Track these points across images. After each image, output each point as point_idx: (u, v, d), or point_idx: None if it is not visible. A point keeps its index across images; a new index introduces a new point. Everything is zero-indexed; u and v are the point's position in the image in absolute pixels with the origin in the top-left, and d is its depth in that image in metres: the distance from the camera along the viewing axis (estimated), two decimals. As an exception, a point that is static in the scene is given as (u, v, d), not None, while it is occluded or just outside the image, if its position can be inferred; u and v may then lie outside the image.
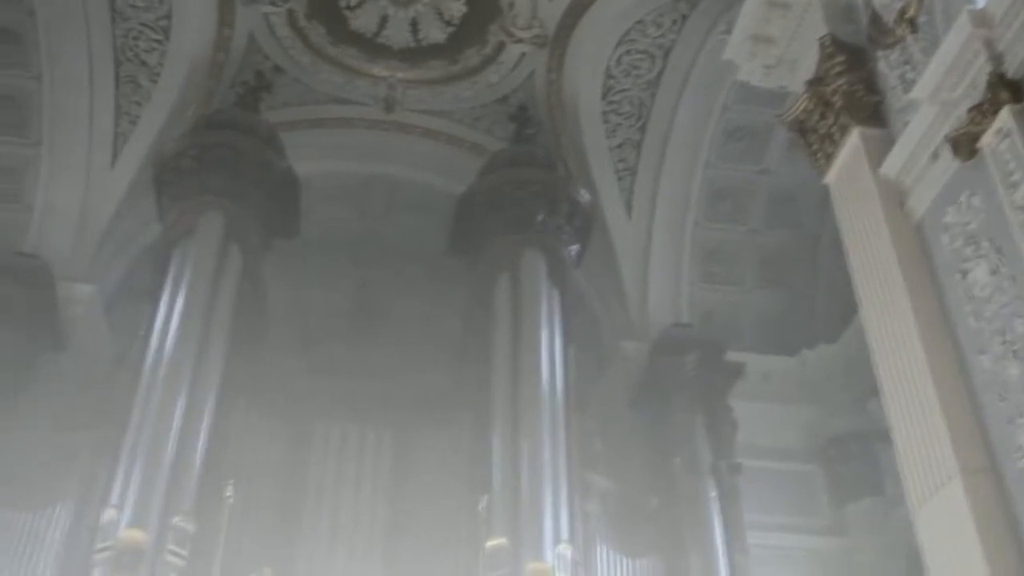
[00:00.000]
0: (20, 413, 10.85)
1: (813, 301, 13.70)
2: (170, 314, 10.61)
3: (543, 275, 11.51)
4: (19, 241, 12.03)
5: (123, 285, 12.81)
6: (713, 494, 11.29)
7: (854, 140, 7.83)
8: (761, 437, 12.33)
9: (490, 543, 9.48)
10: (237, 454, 10.26)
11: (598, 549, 10.41)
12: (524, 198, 11.90)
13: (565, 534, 9.76)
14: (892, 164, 7.41)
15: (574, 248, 12.22)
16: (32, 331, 11.36)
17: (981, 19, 6.51)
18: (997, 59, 6.44)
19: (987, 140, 6.42)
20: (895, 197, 7.38)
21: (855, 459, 12.78)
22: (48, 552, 9.62)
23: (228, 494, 8.73)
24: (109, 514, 9.25)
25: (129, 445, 9.66)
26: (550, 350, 10.96)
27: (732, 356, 12.28)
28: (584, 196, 12.30)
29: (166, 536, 9.14)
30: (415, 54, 12.74)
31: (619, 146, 13.05)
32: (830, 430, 13.10)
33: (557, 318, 11.29)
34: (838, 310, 12.85)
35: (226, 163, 11.54)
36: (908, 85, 7.37)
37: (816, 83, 8.18)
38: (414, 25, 12.42)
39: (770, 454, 12.48)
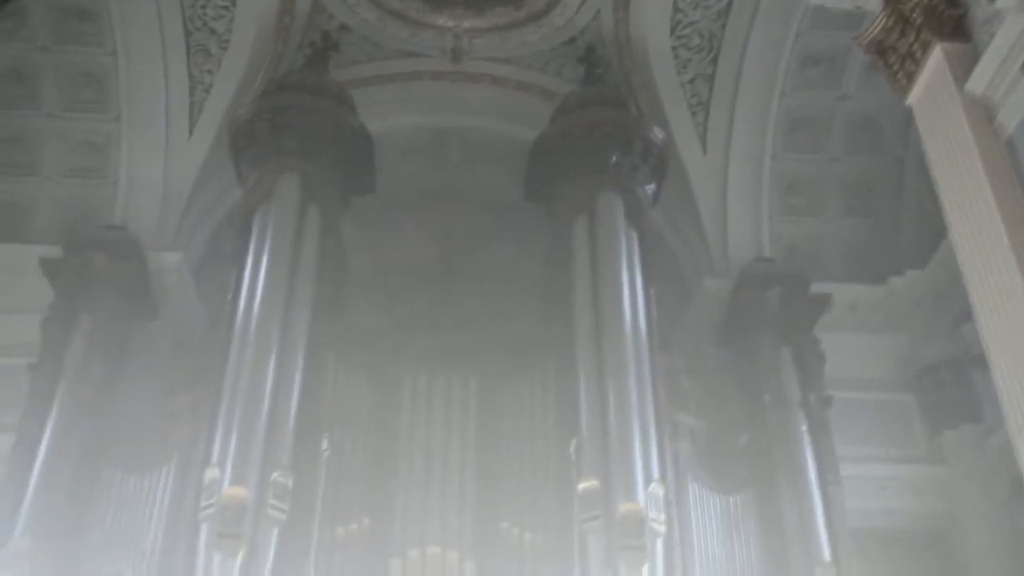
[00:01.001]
0: (122, 381, 11.26)
1: (899, 227, 13.38)
2: (255, 277, 10.83)
3: (620, 216, 11.44)
4: (108, 215, 12.41)
5: (209, 252, 13.13)
6: (803, 428, 11.19)
7: (937, 57, 7.56)
8: (850, 368, 12.14)
9: (582, 485, 9.55)
10: (330, 409, 10.49)
11: (689, 487, 10.44)
12: (597, 140, 11.80)
13: (656, 474, 9.80)
14: (978, 80, 7.15)
15: (650, 187, 12.10)
16: (127, 302, 11.72)
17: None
18: (1087, -40, 6.14)
19: (1079, 47, 6.16)
20: (983, 114, 7.13)
21: (949, 386, 12.53)
22: (158, 511, 10.06)
23: (324, 447, 8.95)
24: (211, 473, 9.58)
25: (225, 406, 9.97)
26: (631, 291, 10.92)
27: (817, 288, 12.08)
28: (658, 134, 12.14)
29: (266, 491, 9.42)
30: (480, 2, 12.66)
31: (691, 81, 12.83)
32: (922, 358, 12.84)
33: (637, 259, 11.23)
34: (926, 235, 12.54)
35: (299, 124, 11.67)
36: (992, -5, 7.08)
37: (894, 0, 7.90)
38: (477, -28, 12.34)
39: (860, 385, 12.29)
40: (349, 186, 12.22)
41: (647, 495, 9.60)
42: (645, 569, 9.34)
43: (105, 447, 10.53)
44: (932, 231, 11.77)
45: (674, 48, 12.63)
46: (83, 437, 10.47)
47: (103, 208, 12.53)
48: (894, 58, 8.04)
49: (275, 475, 9.55)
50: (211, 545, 9.18)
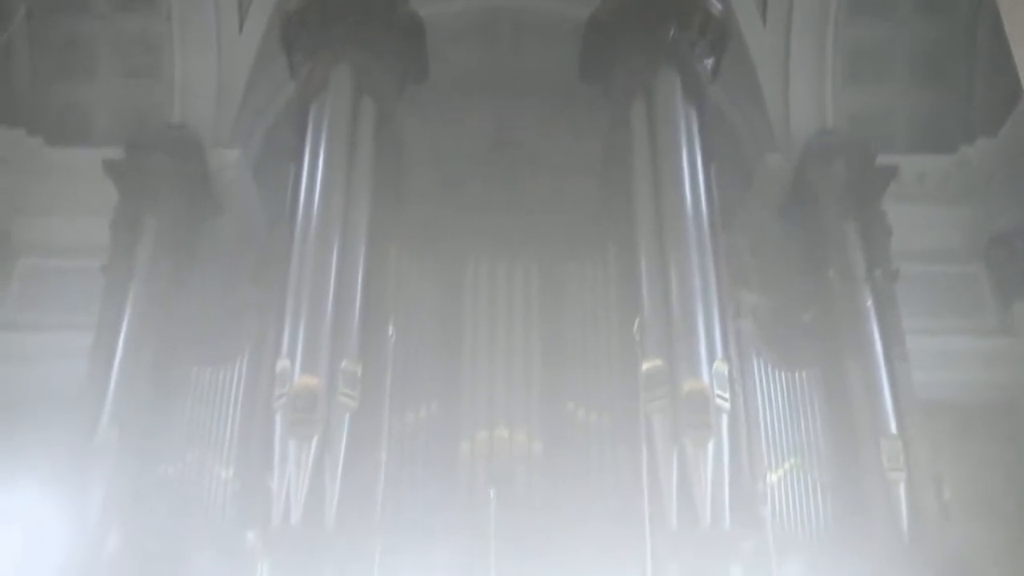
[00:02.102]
0: (191, 278, 11.51)
1: (971, 94, 12.91)
2: (314, 171, 10.88)
3: (678, 93, 11.18)
4: (166, 115, 12.50)
5: (267, 148, 13.19)
6: (869, 302, 11.05)
7: (1010, -93, 7.15)
8: (918, 240, 11.92)
9: (646, 365, 9.62)
10: (394, 298, 10.62)
11: (754, 364, 10.44)
12: (653, 15, 11.44)
13: (720, 351, 9.81)
14: (1055, -71, 6.75)
15: (709, 62, 11.75)
16: (190, 200, 11.89)
17: None
18: None
19: None
20: (1060, -35, 6.76)
21: (1021, 256, 12.24)
22: (234, 402, 10.39)
23: (390, 333, 9.09)
24: (282, 364, 9.83)
25: (292, 299, 10.16)
26: (691, 169, 10.75)
27: (884, 159, 11.75)
28: (716, 6, 11.72)
29: (336, 380, 9.66)
30: None
31: (749, -52, 12.34)
32: (993, 228, 12.54)
33: (696, 136, 11.01)
34: (998, 101, 12.10)
35: (350, 13, 11.49)
36: None
37: None
38: None
39: (928, 257, 12.09)
40: (402, 75, 12.09)
41: (711, 373, 9.65)
42: (710, 446, 9.45)
43: (179, 342, 10.84)
44: (1005, 97, 11.36)
45: (730, -86, 12.13)
46: (158, 333, 10.78)
47: (161, 108, 12.62)
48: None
49: (344, 363, 9.78)
50: (286, 433, 9.49)
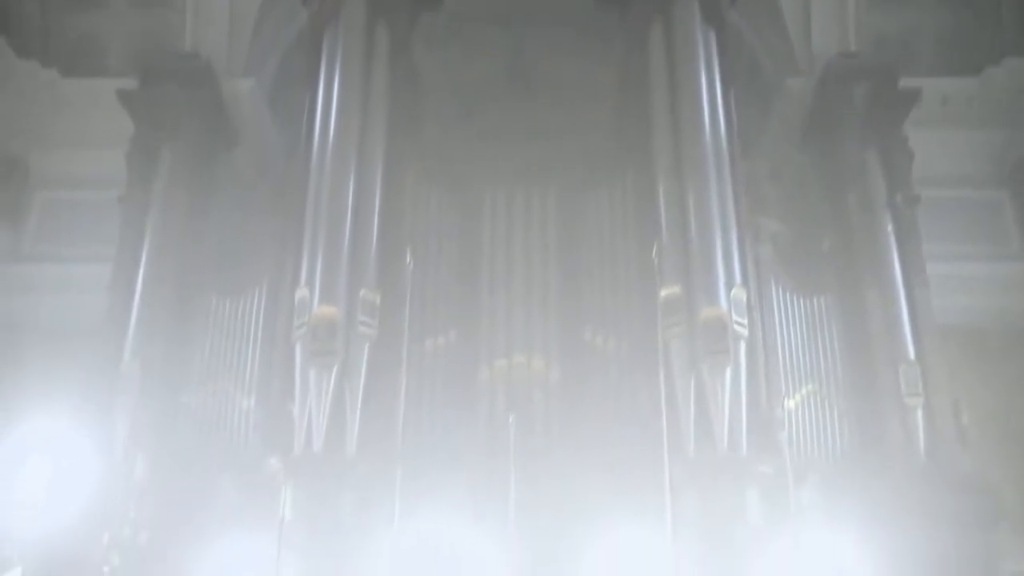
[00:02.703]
0: (209, 209, 11.54)
1: (998, 12, 12.59)
2: (328, 100, 10.81)
3: (696, 17, 10.97)
4: (179, 44, 12.38)
5: (281, 77, 13.08)
6: (889, 228, 10.95)
7: None
8: (940, 166, 11.76)
9: (664, 292, 9.62)
10: (411, 227, 10.63)
11: (772, 290, 10.43)
12: (669, -66, 11.20)
13: (738, 278, 9.80)
14: None
15: (728, -17, 11.52)
16: (205, 130, 11.81)
17: None
18: None
19: None
20: None
21: (1045, 182, 12.10)
22: (254, 332, 10.48)
23: (408, 261, 9.10)
24: (301, 294, 9.90)
25: (309, 228, 10.18)
26: (710, 94, 10.61)
27: (906, 82, 11.51)
28: (734, -74, 11.46)
29: (355, 309, 9.74)
30: None
31: None
32: (1016, 152, 12.35)
33: (715, 61, 10.84)
34: (1027, 19, 11.82)
35: (362, -63, 11.29)
36: None
37: None
38: None
39: (951, 182, 11.93)
40: (416, 1, 11.90)
41: (729, 299, 9.64)
42: (728, 372, 9.49)
43: (198, 273, 10.92)
44: (1034, 15, 11.09)
45: None
46: (176, 264, 10.83)
47: (173, 37, 12.51)
48: None
49: (362, 292, 9.84)
50: (306, 362, 9.59)
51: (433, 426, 9.90)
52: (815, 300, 10.63)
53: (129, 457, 9.81)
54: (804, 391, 10.23)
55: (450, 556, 8.79)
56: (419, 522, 8.42)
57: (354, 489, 9.24)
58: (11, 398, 10.85)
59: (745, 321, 9.68)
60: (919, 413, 10.07)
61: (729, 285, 9.69)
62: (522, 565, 8.27)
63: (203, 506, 9.44)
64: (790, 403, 10.06)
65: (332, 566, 9.09)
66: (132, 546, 9.14)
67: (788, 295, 10.52)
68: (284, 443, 9.45)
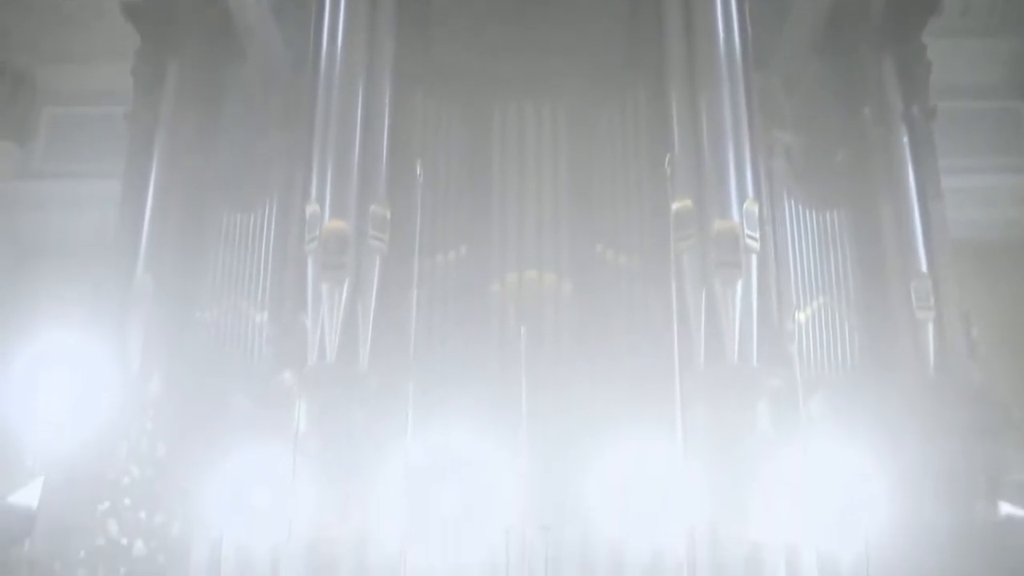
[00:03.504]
0: (218, 124, 11.44)
1: (1022, -84, 12.27)
2: (336, 13, 10.65)
3: (710, -78, 10.70)
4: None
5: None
6: (905, 140, 10.83)
7: None
8: (959, 76, 11.60)
9: (676, 205, 9.57)
10: (421, 141, 10.57)
11: (785, 204, 10.37)
12: None
13: (751, 191, 9.73)
14: None
15: None
16: (212, 44, 11.65)
17: None
18: None
19: None
20: None
21: (1065, 91, 11.91)
22: (265, 247, 10.50)
23: (418, 174, 9.06)
24: (311, 208, 9.89)
25: (318, 143, 10.13)
26: (724, 4, 10.40)
27: (925, -10, 11.28)
28: None
29: (365, 223, 9.75)
30: None
31: None
32: (1039, 61, 12.15)
33: (729, -31, 10.60)
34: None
35: None
36: None
37: None
38: None
39: (969, 93, 11.79)
40: (425, -86, 11.64)
41: (742, 213, 9.60)
42: (739, 285, 9.49)
43: (208, 188, 10.89)
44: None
45: None
46: (186, 180, 10.79)
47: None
48: None
49: (373, 207, 9.84)
50: (318, 276, 9.63)
51: (445, 339, 9.97)
52: (828, 213, 10.57)
53: (144, 371, 9.93)
54: (815, 304, 10.24)
55: (462, 467, 8.91)
56: (431, 434, 8.51)
57: (367, 402, 9.35)
58: (25, 314, 10.96)
59: (757, 234, 9.65)
60: (929, 327, 10.08)
61: (741, 198, 9.63)
62: (534, 476, 8.38)
63: (218, 419, 9.56)
64: (801, 316, 10.08)
65: (346, 477, 9.25)
66: (150, 458, 9.29)
67: (801, 208, 10.46)
68: (297, 356, 9.55)
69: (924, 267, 10.29)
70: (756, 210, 9.67)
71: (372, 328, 9.57)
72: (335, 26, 10.56)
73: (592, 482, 9.03)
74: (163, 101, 11.10)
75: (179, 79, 11.17)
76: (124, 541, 8.94)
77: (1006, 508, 9.61)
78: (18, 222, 11.86)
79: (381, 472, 8.83)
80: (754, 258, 9.60)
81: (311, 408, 9.22)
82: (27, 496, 8.54)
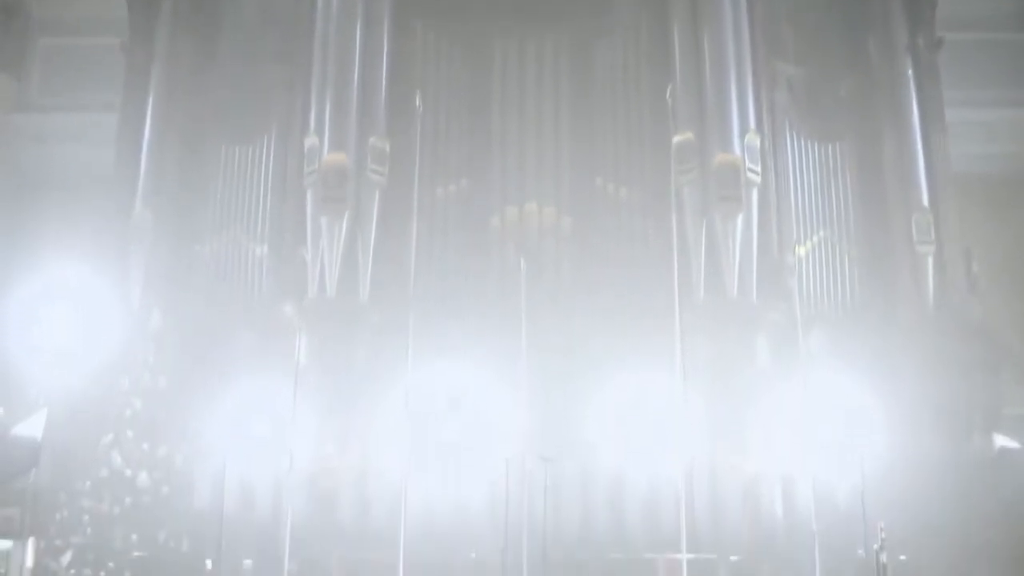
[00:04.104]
0: (214, 57, 11.25)
1: None
2: (334, -58, 10.43)
3: None
4: None
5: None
6: (909, 73, 10.69)
7: None
8: (965, 7, 11.42)
9: (677, 138, 9.52)
10: (421, 74, 10.45)
11: (787, 136, 10.29)
12: None
13: (752, 123, 9.68)
14: None
15: None
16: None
17: None
18: None
19: None
20: None
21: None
22: (264, 181, 10.44)
23: (417, 104, 8.98)
24: (310, 141, 9.86)
25: (317, 75, 10.08)
26: (729, -67, 10.21)
27: (934, -82, 11.04)
28: None
29: (365, 156, 9.74)
30: None
31: None
32: (1048, -8, 11.93)
33: None
34: None
35: None
36: None
37: None
38: None
39: (975, 25, 11.58)
40: None
41: (743, 145, 9.57)
42: (740, 219, 9.50)
43: (206, 122, 10.78)
44: None
45: None
46: (183, 113, 10.70)
47: None
48: None
49: (372, 139, 9.81)
50: (317, 210, 9.63)
51: (445, 272, 9.97)
52: (830, 146, 10.49)
53: (145, 305, 9.95)
54: (816, 238, 10.23)
55: (462, 399, 8.99)
56: (431, 366, 8.56)
57: (367, 334, 9.42)
58: (27, 248, 10.93)
59: (758, 167, 9.62)
60: (930, 261, 10.09)
61: (743, 131, 9.59)
62: (534, 407, 8.44)
63: (220, 352, 9.60)
64: (801, 250, 10.06)
65: (346, 409, 9.33)
66: (152, 391, 9.36)
67: (803, 141, 10.38)
68: (298, 290, 9.58)
69: (925, 201, 10.25)
70: (758, 143, 9.63)
71: (372, 261, 9.60)
72: (335, -43, 10.38)
73: (592, 414, 9.13)
74: (159, 32, 10.93)
75: (175, 9, 10.99)
76: (128, 472, 9.06)
77: (1001, 441, 9.71)
78: (19, 155, 11.77)
79: (382, 404, 8.91)
80: (755, 192, 9.59)
81: (312, 341, 9.28)
82: (31, 428, 8.60)
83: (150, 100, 10.70)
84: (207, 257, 10.36)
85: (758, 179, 9.56)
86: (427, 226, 9.89)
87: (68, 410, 9.30)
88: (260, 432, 8.79)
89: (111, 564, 8.70)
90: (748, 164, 9.46)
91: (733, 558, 8.66)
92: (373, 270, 9.53)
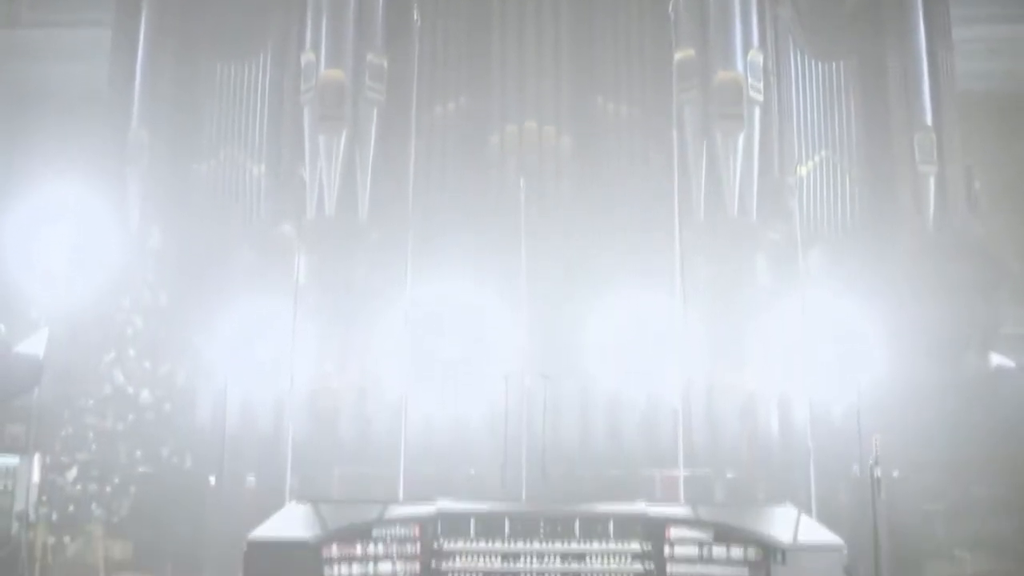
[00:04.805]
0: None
1: None
2: None
3: None
4: None
5: None
6: (917, -12, 10.50)
7: None
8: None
9: (678, 55, 9.41)
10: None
11: (791, 54, 10.16)
12: None
13: (755, 41, 9.55)
14: None
15: None
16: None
17: None
18: None
19: None
20: None
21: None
22: (260, 98, 10.33)
23: (415, 19, 8.84)
24: (306, 57, 9.74)
25: (313, -9, 9.88)
26: None
27: None
28: None
29: (362, 73, 9.62)
30: None
31: None
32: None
33: None
34: None
35: None
36: None
37: None
38: None
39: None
40: None
41: (746, 63, 9.45)
42: (741, 138, 9.42)
43: (200, 38, 10.61)
44: None
45: None
46: (177, 29, 10.51)
47: None
48: None
49: (369, 56, 9.67)
50: (315, 128, 9.55)
51: (444, 191, 9.91)
52: (834, 64, 10.35)
53: (144, 224, 9.94)
54: (817, 158, 10.16)
55: (462, 317, 9.02)
56: (431, 284, 8.58)
57: (367, 252, 9.42)
58: (23, 167, 10.86)
59: (761, 85, 9.52)
60: (931, 181, 10.03)
61: (746, 48, 9.47)
62: (533, 325, 8.46)
63: (219, 271, 9.60)
64: (802, 170, 10.02)
65: (346, 327, 9.37)
66: (152, 309, 9.40)
67: (806, 59, 10.24)
68: (296, 209, 9.55)
69: (929, 120, 10.15)
70: (760, 60, 9.52)
71: (371, 179, 9.56)
72: None
73: (591, 332, 9.17)
74: (150, -57, 10.71)
75: (167, -77, 10.76)
76: (131, 390, 9.14)
77: (998, 359, 9.78)
78: (12, 72, 11.58)
79: (381, 322, 8.94)
80: (757, 110, 9.50)
81: (311, 260, 9.27)
82: (33, 346, 8.63)
83: (143, 15, 10.51)
84: (204, 177, 10.30)
85: (760, 97, 9.47)
86: (426, 144, 9.81)
87: (69, 329, 9.34)
88: (260, 351, 8.84)
89: (116, 479, 8.84)
90: (750, 82, 9.36)
91: (729, 474, 8.79)
92: (372, 189, 9.50)
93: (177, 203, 10.16)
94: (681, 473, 7.69)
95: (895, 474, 8.04)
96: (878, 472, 6.80)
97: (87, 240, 9.54)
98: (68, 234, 9.65)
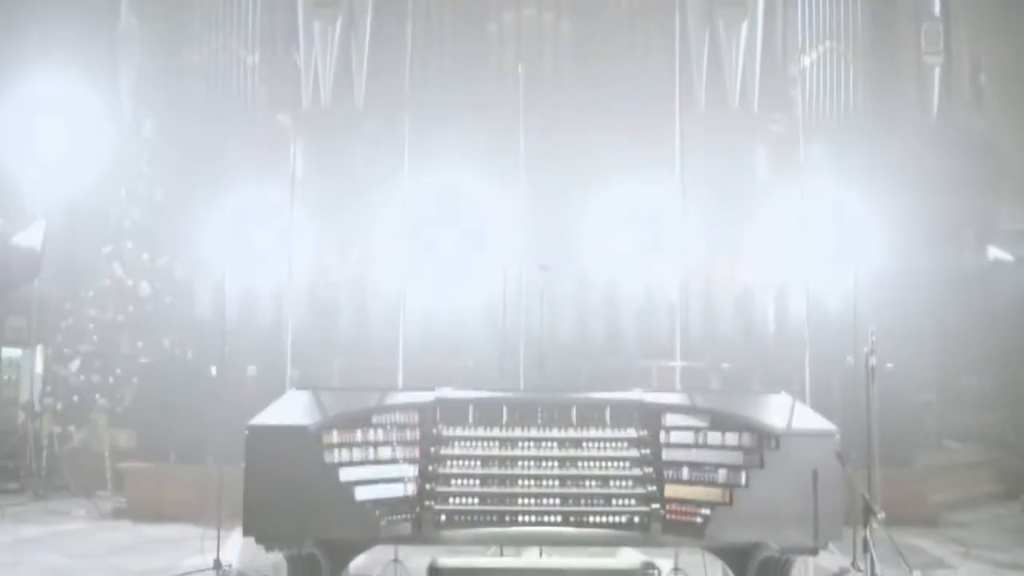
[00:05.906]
0: None
1: None
2: None
3: None
4: None
5: None
6: None
7: None
8: None
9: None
10: None
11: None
12: None
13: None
14: None
15: None
16: None
17: None
18: None
19: None
20: None
21: None
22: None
23: None
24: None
25: None
26: None
27: None
28: None
29: (357, -43, 9.35)
30: None
31: None
32: None
33: None
34: None
35: None
36: None
37: None
38: None
39: None
40: None
41: (751, -53, 9.19)
42: (744, 27, 9.27)
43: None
44: None
45: None
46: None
47: None
48: None
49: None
50: (309, 14, 9.36)
51: (442, 77, 9.76)
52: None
53: (137, 115, 9.82)
54: (821, 48, 9.99)
55: (460, 207, 8.98)
56: (429, 174, 8.50)
57: (364, 141, 9.33)
58: (13, 56, 10.65)
59: (766, -29, 9.30)
60: (936, 72, 9.89)
61: (751, -67, 9.19)
62: (532, 215, 8.42)
63: (215, 162, 9.52)
64: (806, 60, 9.85)
65: (344, 219, 9.34)
66: (149, 200, 9.35)
67: None
68: (292, 98, 9.41)
69: (937, 9, 9.95)
70: (766, -55, 9.27)
71: (367, 66, 9.42)
72: None
73: (589, 223, 9.14)
74: None
75: None
76: (130, 282, 9.16)
77: (994, 253, 9.78)
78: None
79: (379, 213, 8.89)
80: (761, -1, 9.32)
81: (308, 150, 9.20)
82: (30, 238, 8.62)
83: None
84: (198, 65, 10.13)
85: (766, -11, 9.27)
86: (422, 31, 9.64)
87: (66, 220, 9.32)
88: (258, 242, 8.82)
89: (118, 370, 8.92)
90: (755, -33, 9.13)
91: (724, 365, 8.86)
92: (368, 77, 9.35)
93: (171, 93, 10.04)
94: (678, 364, 7.75)
95: (889, 366, 8.11)
96: (873, 361, 6.85)
97: (81, 130, 9.44)
98: (61, 125, 9.54)
